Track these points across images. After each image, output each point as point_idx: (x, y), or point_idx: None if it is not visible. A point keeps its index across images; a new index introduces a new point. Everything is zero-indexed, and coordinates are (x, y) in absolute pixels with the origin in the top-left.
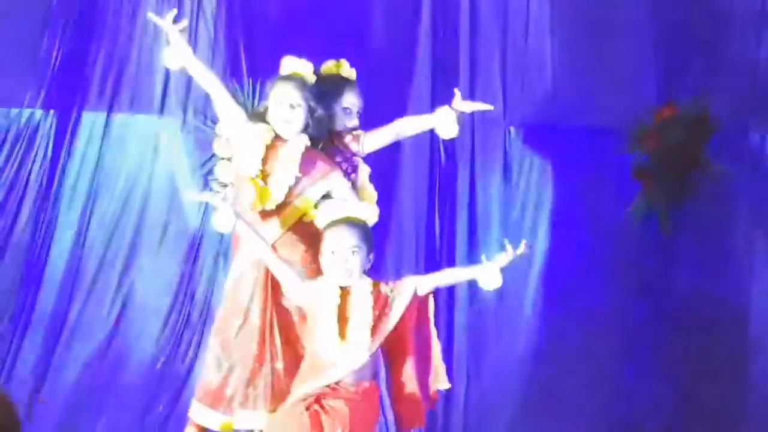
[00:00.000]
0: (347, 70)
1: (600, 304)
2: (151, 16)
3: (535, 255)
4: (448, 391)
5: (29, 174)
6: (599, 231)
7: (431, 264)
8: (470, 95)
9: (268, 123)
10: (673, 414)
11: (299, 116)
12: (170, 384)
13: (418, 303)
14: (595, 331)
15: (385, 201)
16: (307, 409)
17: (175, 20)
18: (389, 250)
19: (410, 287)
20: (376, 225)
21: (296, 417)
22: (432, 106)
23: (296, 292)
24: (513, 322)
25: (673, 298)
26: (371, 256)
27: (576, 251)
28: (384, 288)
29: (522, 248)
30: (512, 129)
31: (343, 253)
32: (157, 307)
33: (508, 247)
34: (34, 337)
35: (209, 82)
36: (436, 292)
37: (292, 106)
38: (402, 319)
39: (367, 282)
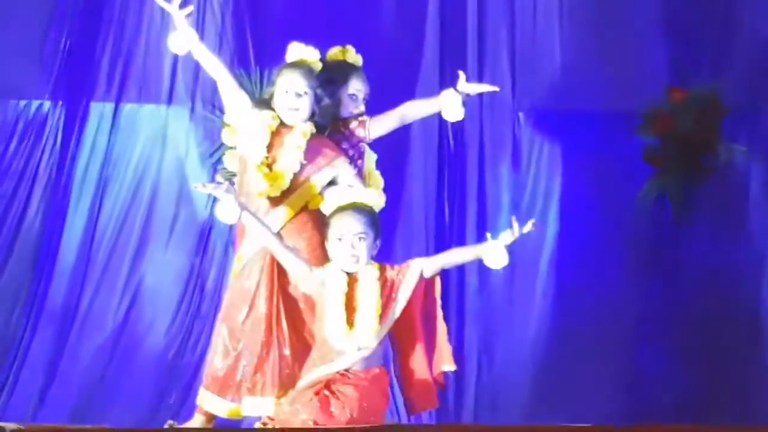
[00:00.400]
0: (353, 56)
1: (611, 287)
2: (158, 0)
3: (545, 240)
4: (459, 376)
5: (38, 165)
6: (610, 215)
7: (441, 250)
8: (478, 80)
9: (274, 110)
10: (686, 393)
11: (305, 104)
12: (181, 374)
13: (425, 285)
14: (606, 315)
15: (395, 187)
16: (317, 394)
17: (182, 5)
18: (399, 237)
19: (416, 270)
20: (386, 211)
21: (306, 402)
22: (440, 92)
23: (303, 279)
24: (524, 306)
25: (685, 280)
26: (378, 242)
27: (586, 236)
28: (390, 272)
29: (528, 226)
30: (521, 114)
31: (350, 240)
32: (168, 298)
33: (515, 224)
34: (46, 326)
35: (215, 67)
36: (447, 278)
37: (298, 94)
38: (409, 302)
39: (374, 268)
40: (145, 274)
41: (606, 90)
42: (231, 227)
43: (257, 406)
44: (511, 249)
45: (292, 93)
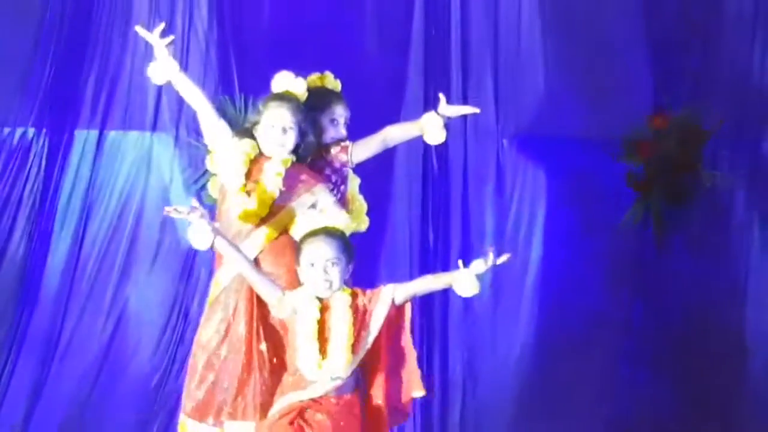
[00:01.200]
0: (332, 82)
1: (594, 311)
2: (139, 29)
3: (529, 264)
4: (444, 399)
5: (23, 192)
6: (593, 241)
7: (425, 275)
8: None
9: (254, 138)
10: (671, 413)
11: (291, 139)
12: (165, 401)
13: (395, 311)
14: (590, 338)
15: (379, 214)
16: (291, 423)
17: (162, 35)
18: (383, 262)
19: (388, 297)
20: (370, 236)
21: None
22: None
23: (277, 305)
24: (508, 330)
25: (669, 302)
26: (350, 267)
27: (570, 260)
28: (362, 299)
29: (503, 258)
30: (505, 141)
31: (323, 265)
32: (152, 324)
33: (490, 254)
34: (30, 352)
35: (195, 97)
36: (430, 302)
37: (284, 130)
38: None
39: (346, 294)
40: (129, 301)
41: (589, 115)
42: (214, 254)
43: (239, 431)
44: (496, 273)
45: (279, 128)
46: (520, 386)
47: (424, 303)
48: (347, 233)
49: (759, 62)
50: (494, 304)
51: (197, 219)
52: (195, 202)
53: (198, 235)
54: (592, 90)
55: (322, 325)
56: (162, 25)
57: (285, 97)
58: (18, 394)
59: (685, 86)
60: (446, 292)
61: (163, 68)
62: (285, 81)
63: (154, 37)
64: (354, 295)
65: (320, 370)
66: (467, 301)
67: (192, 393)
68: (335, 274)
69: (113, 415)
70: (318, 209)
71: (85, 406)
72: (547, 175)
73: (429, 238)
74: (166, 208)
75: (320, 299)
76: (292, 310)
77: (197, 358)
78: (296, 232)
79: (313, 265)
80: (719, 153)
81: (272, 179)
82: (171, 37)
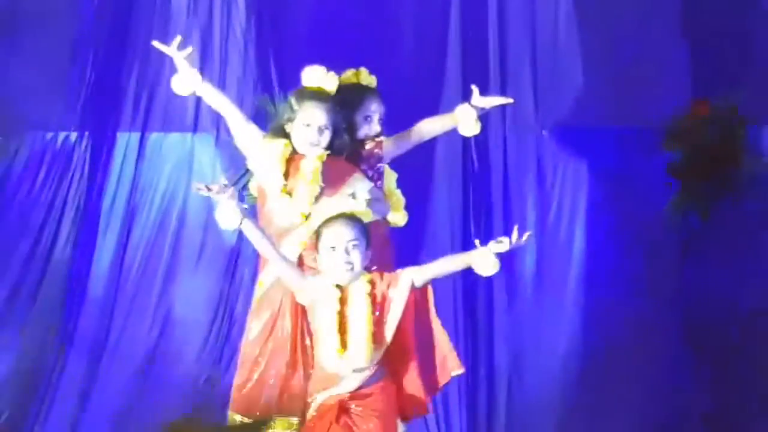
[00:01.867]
0: (366, 78)
1: (639, 304)
2: (156, 44)
3: (572, 257)
4: (490, 395)
5: (67, 196)
6: (636, 231)
7: (466, 271)
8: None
9: (286, 137)
10: (717, 411)
11: (326, 139)
12: (213, 400)
13: (417, 295)
14: (635, 331)
15: (419, 208)
16: (337, 421)
17: (180, 47)
18: (424, 258)
19: (407, 281)
20: (410, 231)
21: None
22: None
23: (299, 288)
24: (552, 325)
25: (712, 297)
26: (369, 252)
27: (613, 252)
28: (380, 284)
29: (525, 237)
30: (545, 132)
31: (344, 246)
32: (197, 324)
33: (513, 236)
34: (78, 356)
35: (221, 103)
36: (474, 297)
37: (320, 130)
38: (402, 314)
39: (364, 283)
40: (174, 302)
41: (629, 105)
42: (258, 255)
43: (286, 426)
44: (539, 266)
45: (315, 127)
46: (566, 380)
47: (468, 298)
48: (365, 220)
49: None
50: (538, 298)
51: (226, 199)
52: (224, 181)
53: (225, 215)
54: (629, 79)
55: (342, 313)
56: (179, 38)
57: (320, 96)
58: (67, 396)
59: (724, 75)
60: (490, 287)
61: (185, 79)
62: (315, 75)
63: (172, 50)
64: (372, 282)
65: (342, 362)
66: (511, 296)
67: (239, 389)
68: (356, 256)
69: (161, 415)
70: (359, 198)
71: (133, 407)
72: (587, 165)
73: (470, 231)
74: (195, 184)
75: (340, 288)
76: (313, 293)
77: (245, 356)
78: (314, 220)
79: (334, 248)
80: (761, 139)
81: (311, 177)
82: (189, 49)
